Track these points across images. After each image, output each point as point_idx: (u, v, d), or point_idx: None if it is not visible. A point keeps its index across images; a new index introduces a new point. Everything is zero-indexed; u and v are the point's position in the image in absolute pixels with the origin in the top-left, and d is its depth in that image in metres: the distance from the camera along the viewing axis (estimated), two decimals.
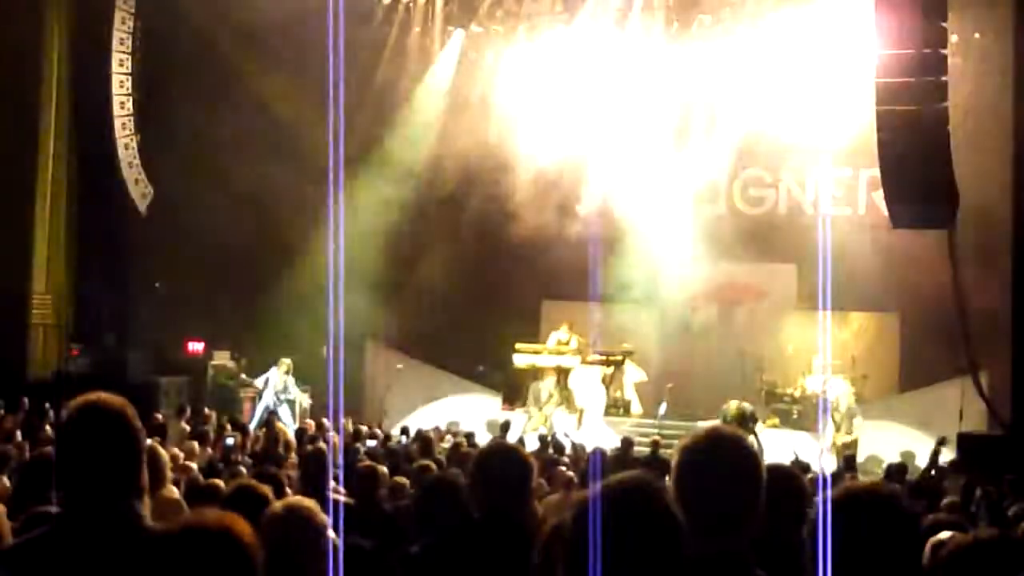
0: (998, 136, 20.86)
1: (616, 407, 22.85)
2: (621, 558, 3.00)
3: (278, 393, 22.14)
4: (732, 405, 18.14)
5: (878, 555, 3.28)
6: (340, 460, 11.09)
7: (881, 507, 3.36)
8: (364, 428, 18.04)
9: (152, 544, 2.88)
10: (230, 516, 3.00)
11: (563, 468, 13.05)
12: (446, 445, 16.36)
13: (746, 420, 17.44)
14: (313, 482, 8.06)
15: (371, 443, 16.11)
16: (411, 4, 25.64)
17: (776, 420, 21.36)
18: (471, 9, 25.51)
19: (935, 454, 16.46)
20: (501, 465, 5.00)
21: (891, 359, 22.45)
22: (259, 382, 22.20)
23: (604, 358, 22.96)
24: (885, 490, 3.55)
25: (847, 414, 20.10)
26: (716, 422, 16.19)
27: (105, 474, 3.84)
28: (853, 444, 19.84)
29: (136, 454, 3.93)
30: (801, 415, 21.56)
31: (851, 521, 3.31)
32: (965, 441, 17.72)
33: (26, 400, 17.52)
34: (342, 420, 17.06)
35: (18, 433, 14.15)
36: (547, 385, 22.08)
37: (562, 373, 22.64)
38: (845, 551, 3.28)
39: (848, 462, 17.62)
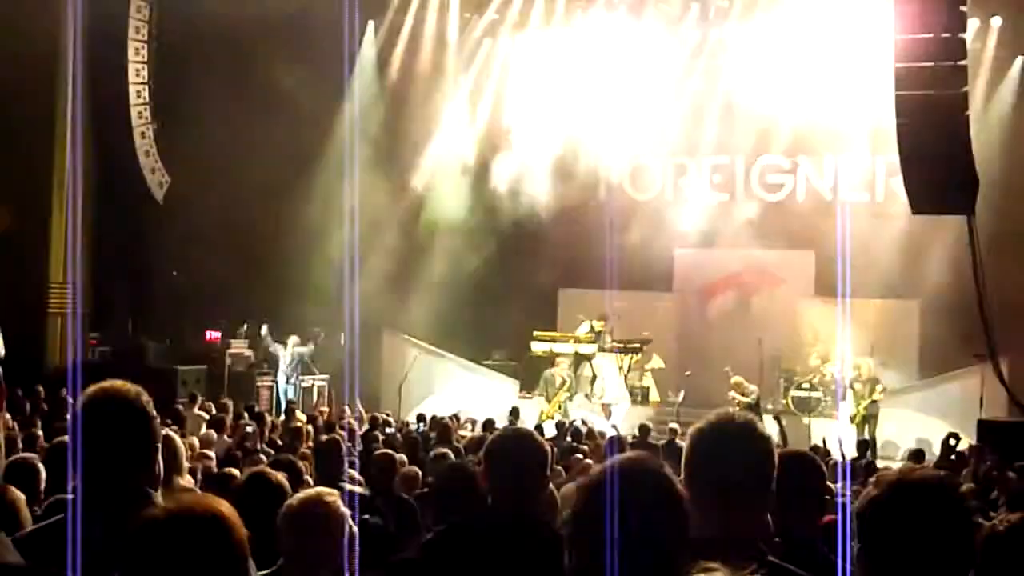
0: (1018, 121, 20.82)
1: (634, 395, 22.83)
2: (626, 535, 3.00)
3: (288, 374, 22.29)
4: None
5: (934, 546, 3.17)
6: (357, 448, 11.15)
7: (939, 497, 3.26)
8: (381, 416, 18.08)
9: (139, 528, 2.89)
10: (212, 499, 2.98)
11: (580, 456, 13.09)
12: (464, 433, 16.42)
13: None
14: (329, 471, 8.09)
15: (389, 431, 16.16)
16: None
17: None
18: (484, 1, 25.55)
19: (946, 447, 16.52)
20: (515, 451, 4.99)
21: (910, 346, 22.40)
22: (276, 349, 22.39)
23: (622, 346, 22.95)
24: (944, 479, 3.45)
25: (870, 382, 20.08)
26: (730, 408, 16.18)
27: (119, 461, 3.85)
28: (874, 415, 19.85)
29: (150, 441, 3.94)
30: (820, 402, 21.53)
31: (906, 511, 3.22)
32: (985, 428, 17.69)
33: (42, 388, 17.57)
34: (359, 408, 17.14)
35: (38, 421, 14.22)
36: (561, 372, 22.07)
37: (579, 360, 22.63)
38: (897, 542, 3.20)
39: (862, 447, 17.64)
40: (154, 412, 3.97)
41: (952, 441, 16.74)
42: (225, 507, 2.87)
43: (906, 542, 3.12)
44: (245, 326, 23.25)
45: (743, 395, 20.78)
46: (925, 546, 3.10)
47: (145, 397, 3.94)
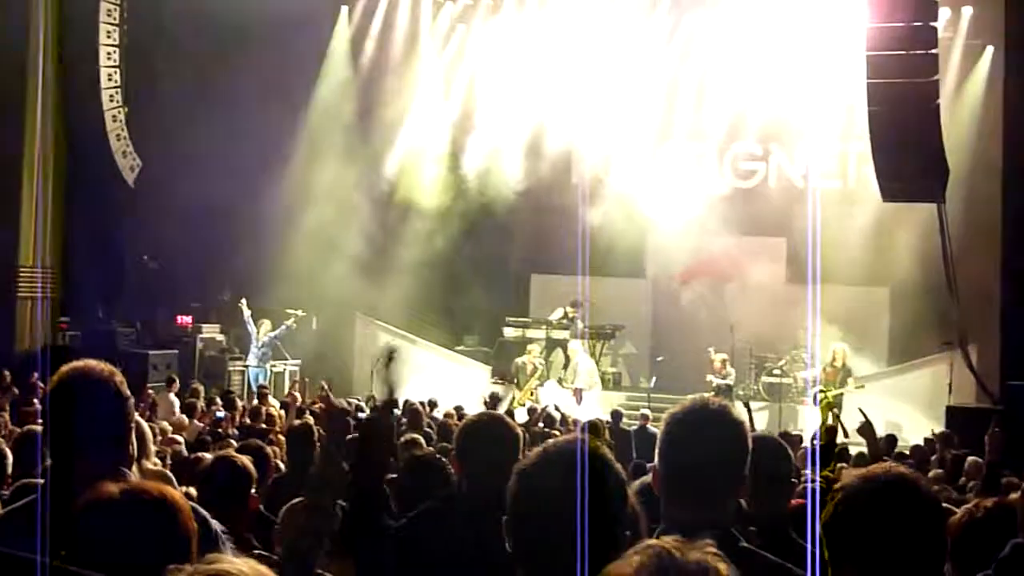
0: (989, 109, 20.91)
1: (606, 380, 22.89)
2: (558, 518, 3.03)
3: (260, 359, 22.26)
4: None
5: (903, 540, 3.19)
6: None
7: (905, 494, 3.27)
8: (353, 401, 18.05)
9: (91, 508, 2.91)
10: (163, 485, 3.01)
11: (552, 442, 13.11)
12: (438, 415, 16.42)
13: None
14: (300, 456, 8.06)
15: (361, 415, 16.13)
16: None
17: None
18: None
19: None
20: (488, 435, 5.00)
21: (880, 333, 22.53)
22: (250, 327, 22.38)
23: (594, 332, 23.00)
24: (908, 477, 3.41)
25: (843, 371, 20.14)
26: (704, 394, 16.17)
27: (93, 440, 3.83)
28: (839, 404, 19.92)
29: (124, 421, 3.94)
30: (791, 389, 21.64)
31: (875, 507, 3.24)
32: (954, 414, 17.78)
33: (8, 374, 17.48)
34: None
35: (6, 405, 14.17)
36: (532, 359, 22.12)
37: (552, 346, 22.70)
38: (867, 536, 3.22)
39: (830, 432, 17.63)
40: (128, 392, 3.96)
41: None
42: (173, 493, 2.90)
43: (877, 542, 3.14)
44: (228, 296, 23.14)
45: (723, 377, 20.94)
46: (896, 545, 3.15)
47: (119, 377, 3.94)
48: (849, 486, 3.31)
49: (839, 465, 8.81)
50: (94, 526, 2.86)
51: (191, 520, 2.89)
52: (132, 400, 4.03)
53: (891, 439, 15.73)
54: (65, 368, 3.96)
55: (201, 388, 18.06)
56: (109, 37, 22.79)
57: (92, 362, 3.98)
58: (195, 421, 14.66)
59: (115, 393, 3.91)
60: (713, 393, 19.48)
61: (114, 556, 2.79)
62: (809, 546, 3.16)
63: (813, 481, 5.98)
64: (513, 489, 3.16)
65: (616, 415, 17.12)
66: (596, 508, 2.93)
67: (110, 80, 22.76)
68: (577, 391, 21.72)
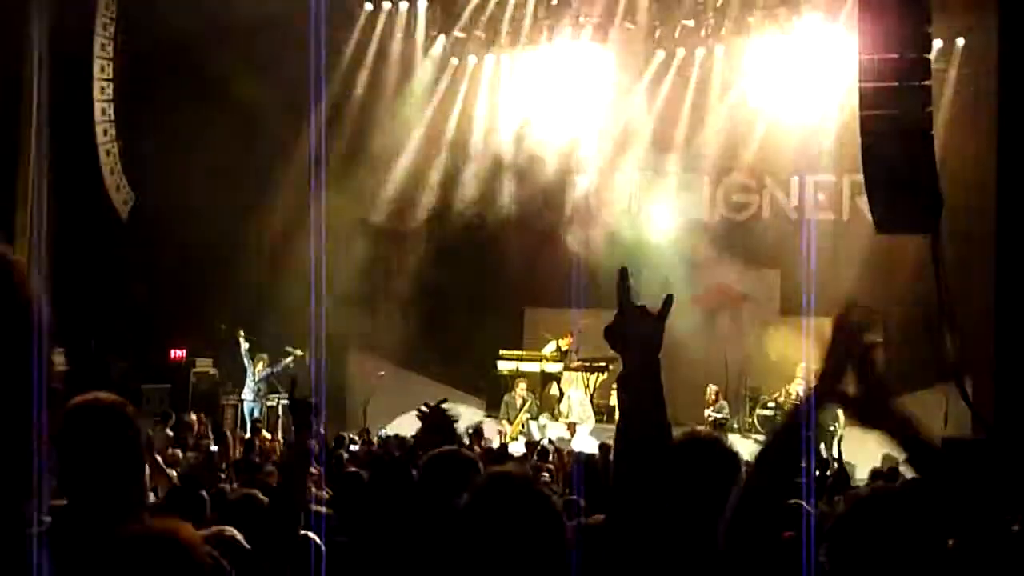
0: (983, 142, 20.94)
1: (600, 413, 22.86)
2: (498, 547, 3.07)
3: (255, 393, 22.26)
4: None
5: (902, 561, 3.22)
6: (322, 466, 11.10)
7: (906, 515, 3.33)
8: (347, 435, 18.03)
9: (109, 548, 2.88)
10: (177, 523, 2.97)
11: (545, 475, 13.09)
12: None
13: None
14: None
15: (354, 448, 16.13)
16: (393, 10, 25.73)
17: None
18: (453, 15, 25.59)
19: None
20: (448, 470, 4.99)
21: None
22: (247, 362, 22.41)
23: (588, 364, 22.98)
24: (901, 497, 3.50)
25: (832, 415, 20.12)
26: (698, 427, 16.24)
27: (108, 474, 3.75)
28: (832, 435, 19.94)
29: (139, 453, 3.88)
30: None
31: (873, 529, 3.28)
32: (951, 445, 17.73)
33: None
34: (322, 427, 17.05)
35: None
36: (520, 393, 22.17)
37: (545, 379, 22.69)
38: (861, 559, 3.25)
39: (822, 465, 17.66)
40: (140, 425, 3.90)
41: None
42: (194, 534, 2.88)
43: (875, 558, 3.14)
44: (223, 327, 23.11)
45: (717, 411, 20.99)
46: (894, 561, 3.12)
47: (131, 408, 3.87)
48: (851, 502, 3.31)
49: (836, 497, 8.80)
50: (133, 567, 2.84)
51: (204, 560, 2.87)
52: (145, 434, 3.96)
53: (892, 471, 15.71)
54: (77, 399, 3.87)
55: (194, 419, 18.04)
56: (103, 72, 22.85)
57: (102, 393, 3.90)
58: (188, 453, 14.65)
59: (130, 424, 3.84)
60: (710, 426, 19.56)
61: None
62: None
63: (809, 512, 5.97)
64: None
65: (604, 448, 17.14)
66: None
67: (104, 115, 22.80)
68: (571, 425, 21.70)
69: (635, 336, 3.44)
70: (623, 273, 3.56)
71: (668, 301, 3.50)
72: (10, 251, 2.32)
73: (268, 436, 17.04)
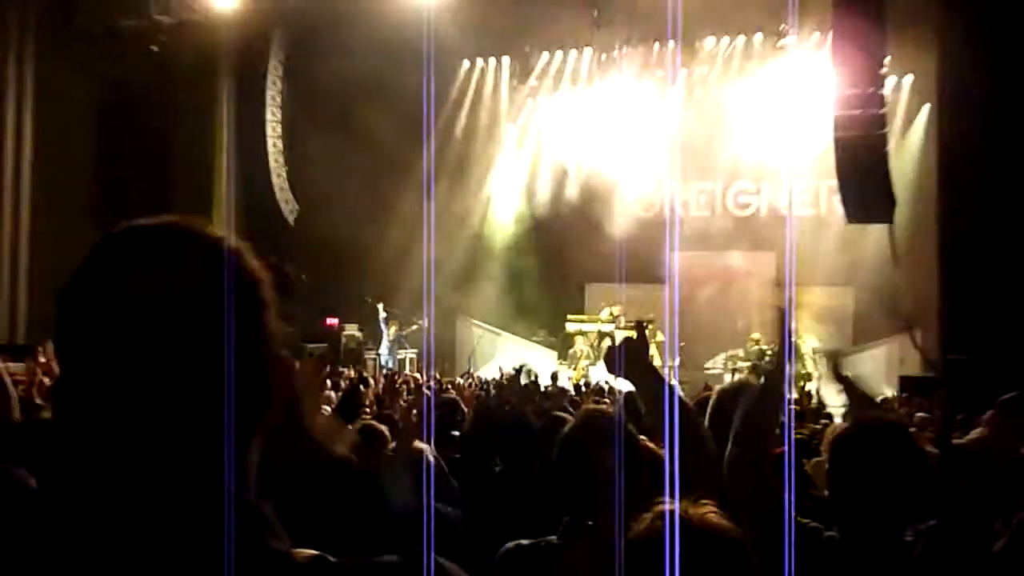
0: (927, 153, 20.66)
1: None
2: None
3: (388, 349, 22.48)
4: None
5: (893, 476, 2.93)
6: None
7: (898, 440, 3.02)
8: (457, 380, 18.16)
9: None
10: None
11: (604, 405, 13.10)
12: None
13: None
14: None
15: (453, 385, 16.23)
16: (484, 66, 25.86)
17: None
18: (529, 68, 25.70)
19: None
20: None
21: (846, 321, 22.31)
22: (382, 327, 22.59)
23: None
24: (898, 423, 3.24)
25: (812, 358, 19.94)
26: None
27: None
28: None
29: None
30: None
31: (868, 453, 2.98)
32: (906, 381, 17.57)
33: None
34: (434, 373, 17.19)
35: None
36: (580, 347, 22.25)
37: (601, 337, 22.68)
38: (857, 482, 2.98)
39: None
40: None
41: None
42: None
43: (870, 474, 2.95)
44: (369, 300, 23.23)
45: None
46: (886, 476, 2.93)
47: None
48: (849, 431, 3.17)
49: (813, 426, 8.73)
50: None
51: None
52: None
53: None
54: None
55: (345, 371, 18.25)
56: (273, 115, 23.13)
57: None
58: (338, 394, 14.82)
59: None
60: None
61: None
62: (787, 493, 2.98)
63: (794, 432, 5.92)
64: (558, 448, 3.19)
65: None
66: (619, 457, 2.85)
67: (275, 147, 23.08)
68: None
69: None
70: (639, 325, 3.56)
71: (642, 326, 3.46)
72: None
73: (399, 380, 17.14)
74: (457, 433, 6.97)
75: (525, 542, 3.14)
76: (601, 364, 22.08)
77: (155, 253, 1.28)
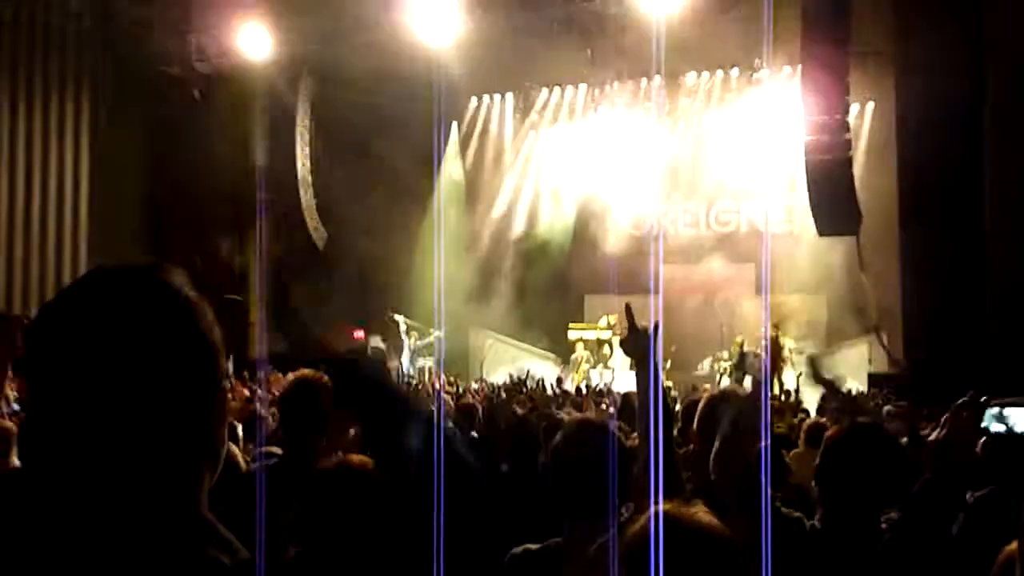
0: (887, 173, 20.61)
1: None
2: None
3: (412, 358, 22.44)
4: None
5: (877, 472, 3.06)
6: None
7: (882, 443, 3.15)
8: (462, 384, 18.12)
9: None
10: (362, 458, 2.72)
11: (603, 407, 13.05)
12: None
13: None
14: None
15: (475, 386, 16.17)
16: (490, 103, 25.97)
17: None
18: (530, 103, 25.78)
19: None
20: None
21: (819, 324, 22.30)
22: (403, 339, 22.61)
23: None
24: (884, 430, 3.33)
25: (789, 358, 19.89)
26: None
27: (307, 430, 3.68)
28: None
29: (329, 410, 3.75)
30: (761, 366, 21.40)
31: (857, 452, 3.10)
32: (873, 378, 17.51)
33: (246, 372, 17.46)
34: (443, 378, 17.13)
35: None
36: (580, 353, 22.26)
37: (600, 343, 22.64)
38: (846, 476, 3.09)
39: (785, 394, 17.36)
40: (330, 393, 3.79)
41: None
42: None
43: (858, 470, 3.07)
44: (390, 311, 23.17)
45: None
46: (872, 472, 3.06)
47: (325, 380, 3.74)
48: (841, 433, 3.23)
49: (792, 420, 8.67)
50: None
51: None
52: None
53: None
54: (297, 374, 3.85)
55: None
56: (303, 151, 23.10)
57: (309, 371, 3.78)
58: None
59: (325, 391, 3.68)
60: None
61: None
62: (764, 487, 3.01)
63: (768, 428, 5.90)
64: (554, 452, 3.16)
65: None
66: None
67: (304, 181, 23.04)
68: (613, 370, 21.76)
69: (635, 347, 3.40)
70: (628, 308, 3.58)
71: (656, 326, 3.42)
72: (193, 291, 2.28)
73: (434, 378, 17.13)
74: (476, 434, 6.93)
75: (533, 547, 3.08)
76: (600, 367, 22.07)
77: (114, 297, 1.29)
